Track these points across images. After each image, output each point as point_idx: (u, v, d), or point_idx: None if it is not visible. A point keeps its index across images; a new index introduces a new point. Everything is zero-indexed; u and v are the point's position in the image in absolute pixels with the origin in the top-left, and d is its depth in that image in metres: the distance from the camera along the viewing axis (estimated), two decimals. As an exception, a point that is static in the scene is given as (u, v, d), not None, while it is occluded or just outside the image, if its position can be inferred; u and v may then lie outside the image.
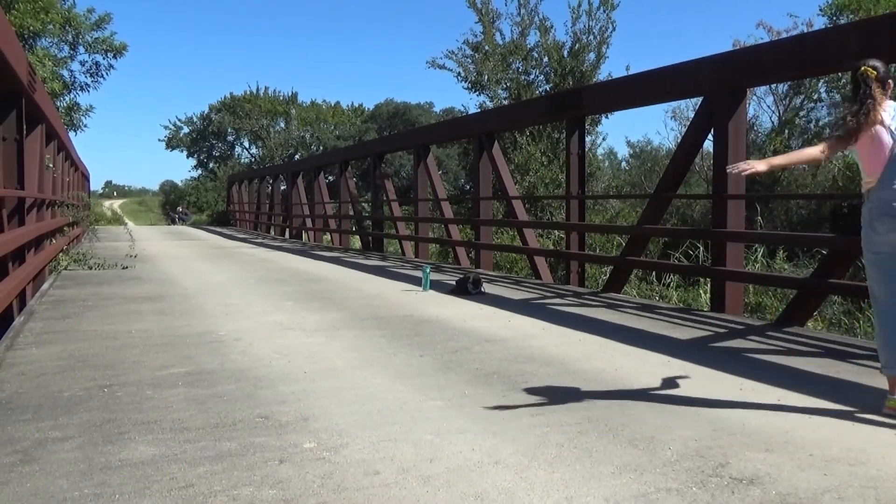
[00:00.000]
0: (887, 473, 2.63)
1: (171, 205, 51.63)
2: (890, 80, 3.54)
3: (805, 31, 19.37)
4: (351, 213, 17.42)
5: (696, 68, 6.90)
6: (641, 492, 2.45)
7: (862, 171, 3.54)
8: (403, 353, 4.70)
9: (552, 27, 20.83)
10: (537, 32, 20.97)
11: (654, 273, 12.50)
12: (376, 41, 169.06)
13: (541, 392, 3.73)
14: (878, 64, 3.51)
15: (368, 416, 3.29)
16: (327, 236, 20.39)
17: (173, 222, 39.97)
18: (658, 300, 11.00)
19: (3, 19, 6.04)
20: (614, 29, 20.27)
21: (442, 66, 21.79)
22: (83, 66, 26.07)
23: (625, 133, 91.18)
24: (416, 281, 8.74)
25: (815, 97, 22.27)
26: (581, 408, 3.44)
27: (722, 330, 5.76)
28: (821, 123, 22.33)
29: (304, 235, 21.06)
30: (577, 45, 20.53)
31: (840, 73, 18.92)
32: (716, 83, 6.64)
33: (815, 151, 3.55)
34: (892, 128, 3.40)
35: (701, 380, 4.04)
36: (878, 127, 3.41)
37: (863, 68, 3.50)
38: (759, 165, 3.53)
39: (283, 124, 49.65)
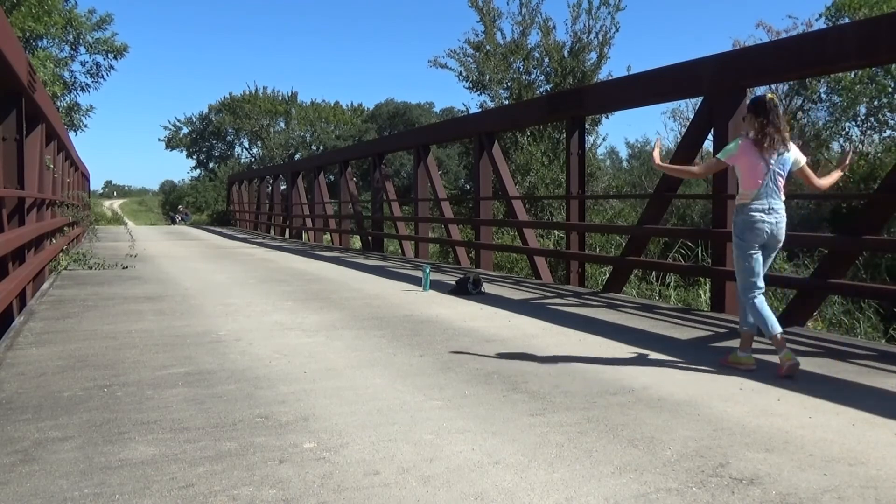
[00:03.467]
0: (887, 473, 2.64)
1: (171, 205, 51.61)
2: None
3: (805, 31, 19.38)
4: (351, 213, 17.43)
5: (696, 68, 6.91)
6: (641, 492, 2.45)
7: (739, 184, 4.31)
8: (403, 352, 4.70)
9: (554, 27, 20.84)
10: (539, 32, 20.99)
11: (653, 273, 12.50)
12: (376, 41, 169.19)
13: (541, 392, 3.73)
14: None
15: (368, 416, 3.29)
16: (327, 236, 20.40)
17: (173, 222, 39.89)
18: (658, 300, 11.00)
19: (2, 19, 6.04)
20: (617, 30, 20.27)
21: (444, 66, 21.82)
22: (84, 66, 26.14)
23: (624, 133, 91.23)
24: (416, 281, 8.74)
25: (815, 97, 22.26)
26: (581, 408, 3.44)
27: (722, 330, 5.76)
28: (820, 124, 22.34)
29: (305, 235, 21.05)
30: (578, 46, 20.52)
31: (840, 74, 18.95)
32: (716, 83, 6.64)
33: (694, 169, 4.58)
34: (770, 160, 4.19)
35: (701, 380, 4.04)
36: (762, 156, 4.19)
37: (770, 95, 4.27)
38: (657, 159, 4.57)
39: (283, 124, 49.67)
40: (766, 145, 4.16)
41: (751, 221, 4.20)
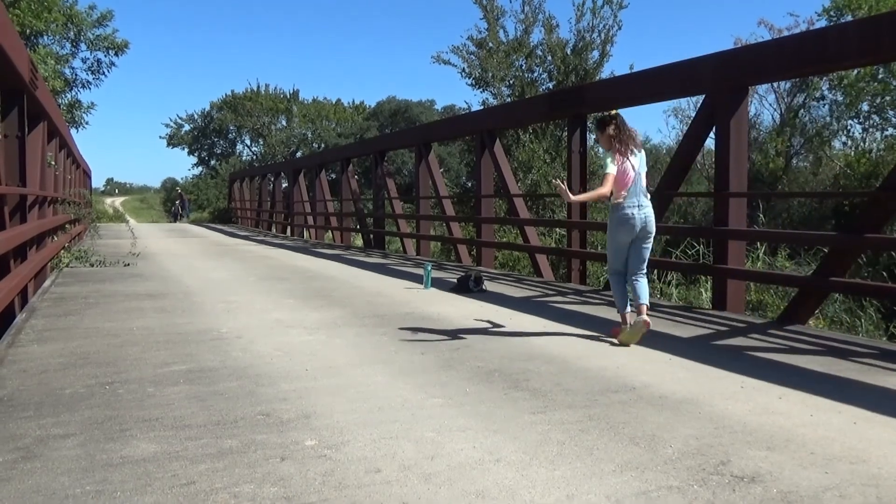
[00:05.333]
0: (888, 472, 2.63)
1: (172, 202, 51.22)
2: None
3: (807, 29, 19.33)
4: (352, 210, 17.43)
5: (698, 66, 6.89)
6: (642, 489, 2.45)
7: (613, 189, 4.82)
8: (405, 350, 4.71)
9: (557, 25, 20.82)
10: (542, 30, 20.97)
11: (655, 271, 12.46)
12: (378, 38, 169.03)
13: (542, 390, 3.73)
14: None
15: (370, 414, 3.29)
16: (329, 234, 20.40)
17: (175, 218, 39.59)
18: (659, 298, 10.98)
19: (4, 17, 6.04)
20: (620, 28, 20.24)
21: (446, 62, 21.83)
22: (85, 63, 26.14)
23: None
24: (417, 279, 8.75)
25: (817, 95, 22.22)
26: (582, 405, 3.44)
27: (723, 328, 5.76)
28: (820, 123, 22.30)
29: (306, 233, 21.06)
30: (581, 44, 20.50)
31: (842, 73, 18.91)
32: (717, 81, 6.63)
33: (604, 190, 4.86)
34: (633, 163, 4.82)
35: (702, 378, 4.04)
36: (626, 160, 4.81)
37: (615, 111, 4.94)
38: (570, 197, 5.10)
39: (284, 122, 49.63)
40: (623, 149, 4.78)
41: (625, 217, 4.86)
